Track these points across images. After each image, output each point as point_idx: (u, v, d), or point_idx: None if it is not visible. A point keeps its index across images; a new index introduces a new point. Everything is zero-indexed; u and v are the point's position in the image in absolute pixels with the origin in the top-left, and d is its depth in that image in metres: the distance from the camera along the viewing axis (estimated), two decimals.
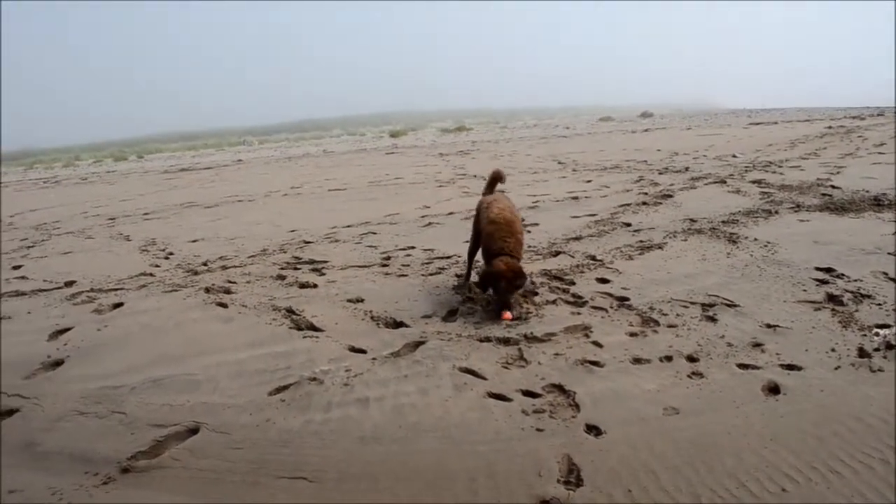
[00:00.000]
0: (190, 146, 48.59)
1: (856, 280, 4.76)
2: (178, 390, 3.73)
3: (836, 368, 3.45)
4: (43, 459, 3.14)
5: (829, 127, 20.69)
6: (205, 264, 6.77)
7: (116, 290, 5.97)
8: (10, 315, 5.42)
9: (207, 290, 5.64)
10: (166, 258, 7.29)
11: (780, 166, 11.32)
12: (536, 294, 4.89)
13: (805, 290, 4.64)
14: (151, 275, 6.51)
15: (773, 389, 3.29)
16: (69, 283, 6.38)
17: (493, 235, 4.73)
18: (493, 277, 4.47)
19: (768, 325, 4.06)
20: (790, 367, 3.50)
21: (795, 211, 7.34)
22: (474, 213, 5.42)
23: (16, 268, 7.39)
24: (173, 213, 11.23)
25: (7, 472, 3.05)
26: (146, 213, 11.32)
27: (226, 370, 3.95)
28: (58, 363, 4.31)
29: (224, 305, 5.20)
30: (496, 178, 5.81)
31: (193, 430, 3.28)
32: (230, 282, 5.90)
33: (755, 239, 6.12)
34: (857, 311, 4.20)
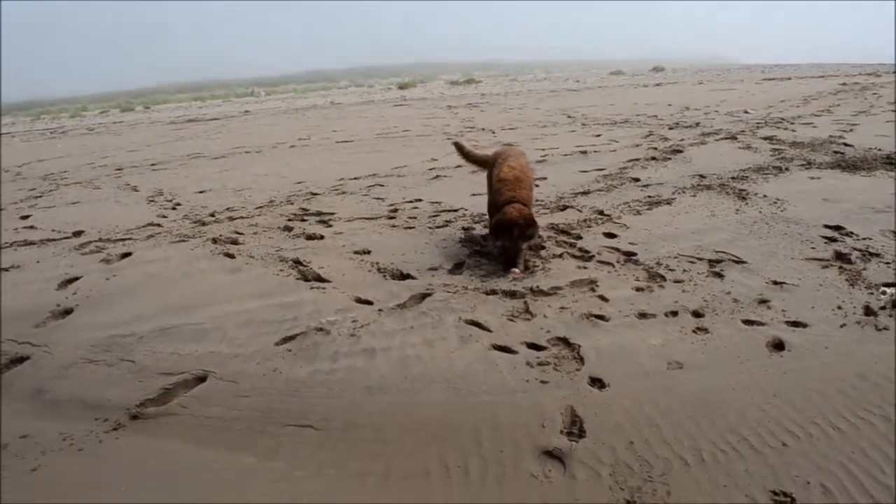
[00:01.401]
0: (197, 97, 48.25)
1: (865, 238, 4.74)
2: (186, 339, 3.76)
3: (841, 326, 3.45)
4: (53, 406, 3.18)
5: (844, 83, 20.37)
6: (212, 215, 6.78)
7: (124, 240, 5.99)
8: (20, 264, 5.44)
9: (215, 241, 5.65)
10: (174, 209, 7.29)
11: (792, 123, 11.18)
12: (543, 248, 4.89)
13: (813, 248, 4.62)
14: (159, 225, 6.52)
15: (778, 346, 3.29)
16: (77, 233, 6.40)
17: (500, 191, 4.72)
18: (505, 225, 4.46)
19: (775, 282, 4.05)
20: (795, 323, 3.50)
21: (806, 168, 7.27)
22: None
23: (24, 217, 7.41)
24: (180, 163, 11.19)
25: (18, 418, 3.09)
26: (153, 164, 11.29)
27: (233, 320, 3.97)
28: (67, 312, 4.34)
29: (231, 256, 5.22)
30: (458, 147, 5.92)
31: (201, 379, 3.31)
32: (237, 233, 5.91)
33: (765, 196, 6.08)
34: (864, 269, 4.19)
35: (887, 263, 4.25)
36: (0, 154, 15.05)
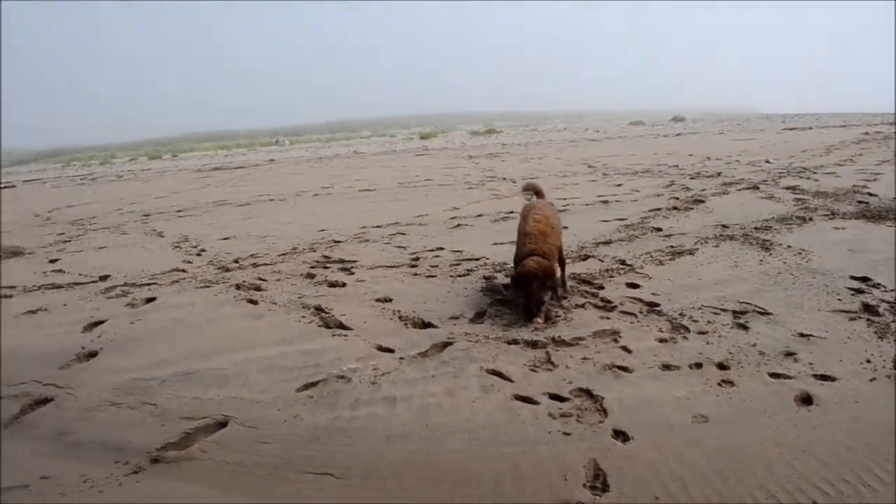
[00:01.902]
0: (222, 145, 49.15)
1: (892, 290, 4.67)
2: (208, 384, 3.77)
3: (871, 380, 3.39)
4: (75, 448, 3.19)
5: (866, 133, 20.37)
6: (236, 261, 6.84)
7: (150, 284, 6.06)
8: (47, 307, 5.52)
9: (238, 287, 5.70)
10: (198, 255, 7.38)
11: (814, 172, 11.14)
12: (565, 298, 4.87)
13: (840, 300, 4.57)
14: (184, 271, 6.59)
15: (806, 400, 3.23)
16: (104, 277, 6.49)
17: (524, 243, 4.75)
18: (525, 278, 4.46)
19: (801, 334, 4.00)
20: (824, 377, 3.44)
21: (830, 218, 7.22)
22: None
23: (52, 261, 7.53)
24: (206, 210, 11.36)
25: (40, 459, 3.11)
26: (179, 211, 11.47)
27: (255, 366, 3.99)
28: (92, 354, 4.38)
29: (254, 302, 5.25)
30: (536, 192, 5.90)
31: (222, 424, 3.31)
32: (261, 279, 5.95)
33: (789, 246, 6.03)
34: (893, 321, 4.12)
35: None
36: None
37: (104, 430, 3.34)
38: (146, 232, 9.36)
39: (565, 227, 7.19)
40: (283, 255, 7.03)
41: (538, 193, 5.90)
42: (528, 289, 4.44)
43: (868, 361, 3.59)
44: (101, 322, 5.00)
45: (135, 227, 9.88)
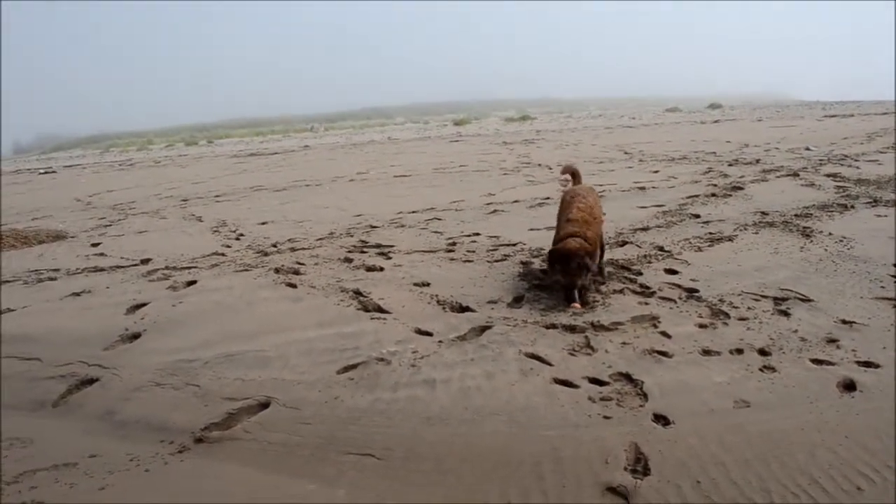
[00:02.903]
0: (257, 132, 49.45)
1: None
2: (250, 366, 3.83)
3: None
4: (121, 427, 3.27)
5: None
6: (274, 246, 6.92)
7: (190, 268, 6.16)
8: (90, 289, 5.64)
9: (277, 271, 5.76)
10: (237, 239, 7.48)
11: (856, 160, 10.91)
12: (603, 283, 4.85)
13: (883, 287, 4.49)
14: (223, 255, 6.69)
15: (849, 386, 3.19)
16: (145, 261, 6.61)
17: (565, 227, 4.74)
18: (563, 255, 4.45)
19: (843, 321, 3.94)
20: (867, 364, 3.40)
21: (872, 206, 7.08)
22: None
23: (94, 245, 7.69)
24: (243, 195, 11.49)
25: (88, 438, 3.18)
26: (217, 196, 11.61)
27: (295, 348, 4.04)
28: (135, 336, 4.47)
29: (293, 286, 5.31)
30: (574, 174, 5.88)
31: (264, 405, 3.36)
32: (299, 263, 6.01)
33: (830, 233, 5.94)
34: None
35: None
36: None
37: (149, 409, 3.41)
38: (185, 216, 9.50)
39: (603, 214, 7.18)
40: (321, 239, 7.09)
41: (575, 176, 5.87)
42: (566, 267, 4.43)
43: None
44: (144, 304, 5.09)
45: (174, 212, 10.03)
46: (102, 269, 6.38)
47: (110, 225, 9.15)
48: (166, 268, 6.22)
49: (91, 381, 3.80)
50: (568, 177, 6.00)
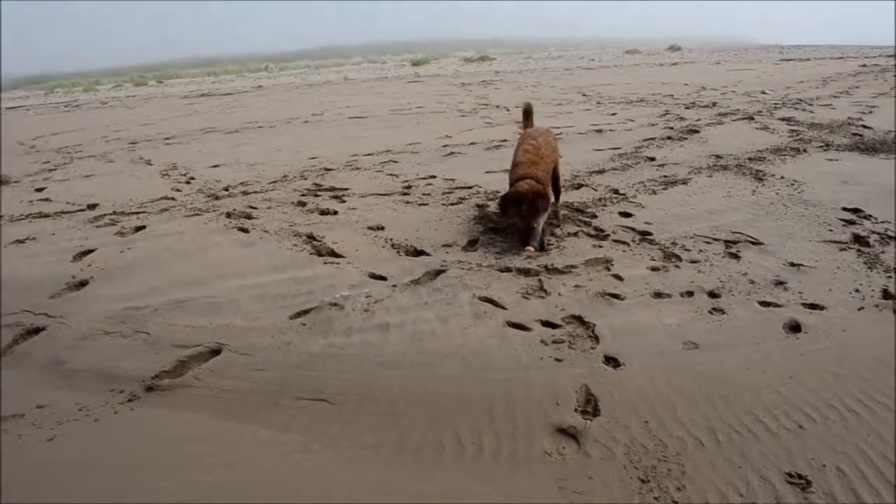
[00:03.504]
0: (209, 72, 48.09)
1: (883, 222, 4.69)
2: (201, 312, 3.77)
3: (859, 309, 3.43)
4: (70, 377, 3.20)
5: (863, 65, 20.13)
6: (226, 189, 6.78)
7: (138, 213, 6.00)
8: (35, 236, 5.47)
9: (229, 215, 5.65)
10: (187, 182, 7.29)
11: (810, 104, 11.05)
12: (558, 226, 4.86)
13: (831, 230, 4.58)
14: (173, 199, 6.52)
15: (795, 328, 3.27)
16: (92, 206, 6.41)
17: (514, 171, 4.71)
18: (514, 199, 4.44)
19: (792, 264, 4.03)
20: (812, 305, 3.49)
21: (824, 150, 7.19)
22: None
23: (39, 189, 7.43)
24: (194, 138, 11.18)
25: (35, 388, 3.11)
26: (167, 138, 11.28)
27: (247, 294, 3.98)
28: (82, 283, 4.36)
29: (245, 230, 5.22)
30: (527, 112, 5.78)
31: (216, 351, 3.32)
32: (251, 207, 5.90)
33: (782, 177, 6.02)
34: (883, 252, 4.15)
35: None
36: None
37: (98, 358, 3.34)
38: (133, 160, 9.22)
39: (560, 157, 7.15)
40: (274, 182, 6.96)
41: (527, 115, 5.80)
42: (519, 210, 4.42)
43: (857, 291, 3.63)
44: (91, 251, 4.96)
45: (121, 155, 9.72)
46: (47, 215, 6.17)
47: (55, 169, 8.83)
48: (114, 213, 6.05)
49: (37, 331, 3.70)
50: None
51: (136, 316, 3.78)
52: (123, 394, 3.00)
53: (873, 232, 4.50)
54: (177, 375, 3.14)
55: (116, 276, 4.44)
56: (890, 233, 4.46)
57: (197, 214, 5.79)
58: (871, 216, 4.82)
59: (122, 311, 3.86)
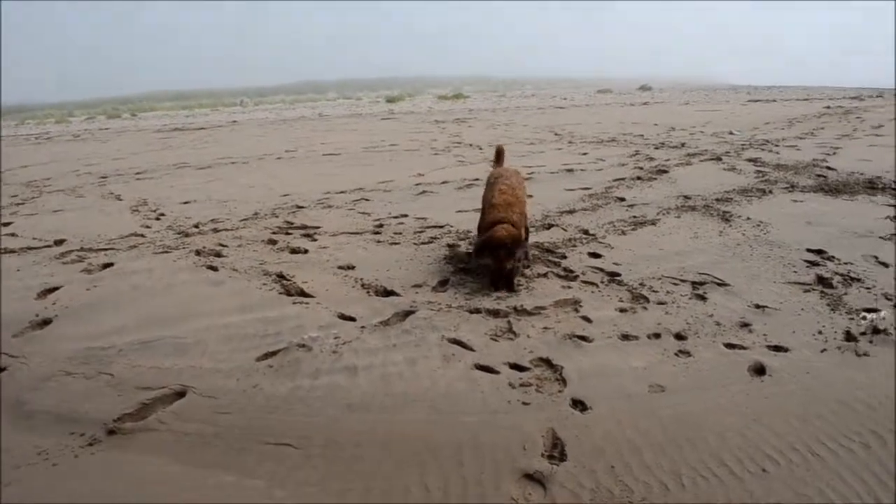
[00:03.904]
0: (184, 105, 48.02)
1: (846, 263, 4.79)
2: (167, 353, 3.72)
3: (822, 351, 3.48)
4: (29, 419, 3.13)
5: (828, 107, 20.67)
6: (196, 226, 6.74)
7: (106, 249, 5.93)
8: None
9: (198, 253, 5.61)
10: (157, 219, 7.24)
11: (776, 145, 11.31)
12: (528, 266, 4.89)
13: (795, 272, 4.66)
14: (142, 235, 6.47)
15: (759, 370, 3.31)
16: (59, 242, 6.33)
17: (490, 213, 4.72)
18: (492, 244, 4.45)
19: (757, 306, 4.08)
20: (777, 348, 3.53)
21: (790, 191, 7.35)
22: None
23: (5, 224, 7.33)
24: (165, 173, 11.12)
25: None
26: (138, 173, 11.21)
27: (214, 334, 3.94)
28: (46, 322, 4.29)
29: (214, 269, 5.18)
30: (500, 153, 5.84)
31: (181, 394, 3.28)
32: (221, 245, 5.87)
33: (748, 218, 6.13)
34: (846, 294, 4.23)
35: (868, 289, 4.29)
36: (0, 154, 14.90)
37: (59, 400, 3.28)
38: (103, 195, 9.14)
39: (530, 196, 7.20)
40: (245, 220, 6.94)
41: (499, 156, 5.86)
42: (494, 256, 4.44)
43: (820, 333, 3.69)
44: (56, 288, 4.89)
45: (92, 190, 9.64)
46: (13, 251, 6.08)
47: (23, 203, 8.72)
48: (81, 249, 5.98)
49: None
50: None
51: (100, 356, 3.72)
52: (84, 437, 2.94)
53: (836, 273, 4.59)
54: (140, 418, 3.09)
55: (81, 315, 4.38)
56: (853, 274, 4.55)
57: (166, 252, 5.74)
58: (834, 257, 4.91)
59: (86, 351, 3.80)
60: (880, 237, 5.36)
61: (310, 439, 2.86)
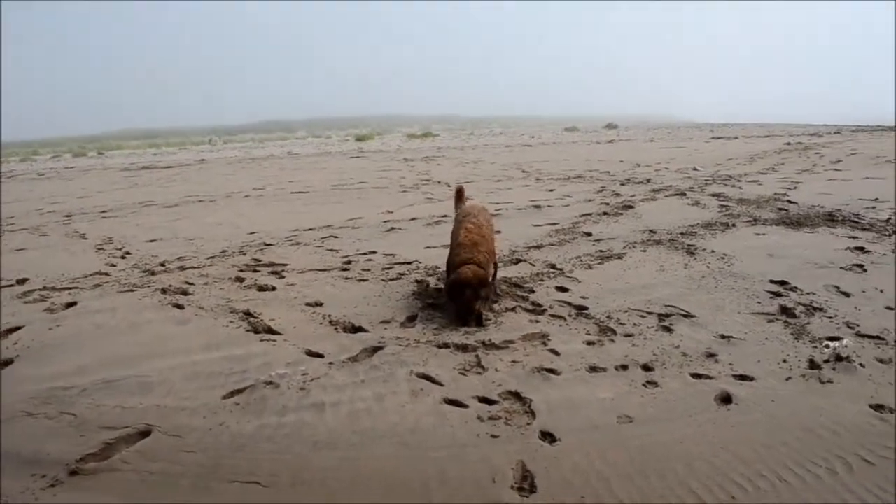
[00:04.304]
0: (152, 143, 47.84)
1: (808, 293, 4.88)
2: (131, 392, 3.66)
3: (786, 379, 3.53)
4: None
5: (788, 143, 21.21)
6: (162, 265, 6.67)
7: (70, 288, 5.84)
8: None
9: (164, 291, 5.55)
10: (123, 257, 7.15)
11: (739, 180, 11.57)
12: (496, 302, 4.91)
13: (759, 303, 4.74)
14: (107, 274, 6.38)
15: (726, 399, 3.35)
16: (21, 281, 6.22)
17: (458, 253, 4.75)
18: (459, 285, 4.48)
19: (722, 336, 4.14)
20: (742, 377, 3.58)
21: (752, 224, 7.51)
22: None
23: None
24: (132, 211, 11.03)
25: None
26: (104, 211, 11.10)
27: (180, 373, 3.89)
28: (7, 363, 4.19)
29: (180, 307, 5.12)
30: (459, 192, 5.89)
31: (145, 433, 3.22)
32: (187, 283, 5.81)
33: (712, 251, 6.24)
34: (808, 323, 4.31)
35: (830, 318, 4.38)
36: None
37: (20, 441, 3.20)
38: (68, 233, 9.02)
39: (498, 232, 7.25)
40: (212, 258, 6.89)
41: (459, 195, 5.89)
42: (461, 296, 4.46)
43: (784, 361, 3.75)
44: (18, 328, 4.79)
45: (56, 228, 9.51)
46: None
47: None
48: (44, 288, 5.88)
49: None
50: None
51: (63, 397, 3.64)
52: (46, 478, 2.87)
53: (799, 303, 4.67)
54: (103, 458, 3.02)
55: (43, 355, 4.29)
56: (815, 304, 4.64)
57: (131, 290, 5.66)
58: (796, 288, 5.01)
59: (48, 391, 3.72)
60: (841, 268, 5.49)
61: (277, 477, 2.82)
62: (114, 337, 4.57)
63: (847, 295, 4.84)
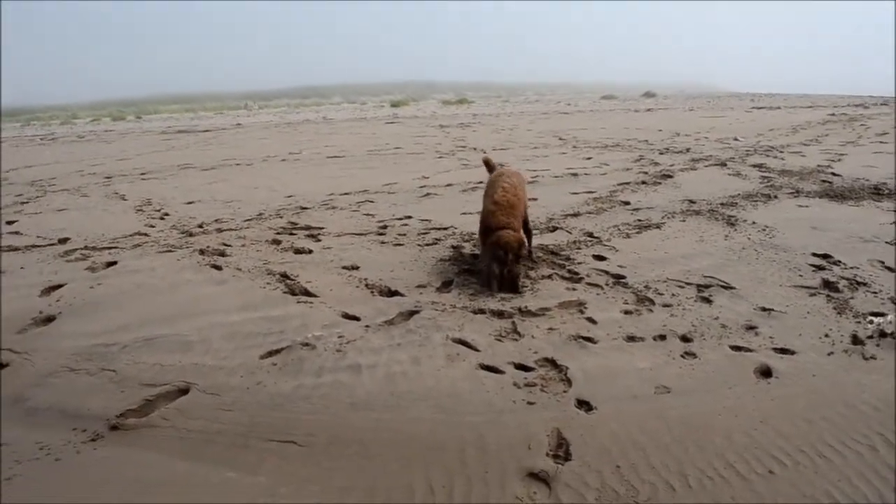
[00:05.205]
0: (189, 108, 48.08)
1: (852, 267, 4.77)
2: (170, 350, 3.72)
3: (828, 354, 3.46)
4: (32, 415, 3.13)
5: (832, 114, 20.61)
6: (200, 226, 6.74)
7: (110, 248, 5.94)
8: (3, 269, 5.38)
9: (202, 252, 5.61)
10: (161, 219, 7.24)
11: (781, 151, 11.28)
12: (532, 268, 4.88)
13: (801, 276, 4.64)
14: (146, 235, 6.47)
15: (766, 372, 3.29)
16: (63, 240, 6.34)
17: (494, 213, 4.71)
18: (499, 248, 4.45)
19: (763, 309, 4.06)
20: (783, 350, 3.51)
21: (795, 196, 7.33)
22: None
23: (10, 223, 7.33)
24: (170, 174, 11.14)
25: None
26: (143, 173, 11.23)
27: (218, 332, 3.93)
28: (49, 319, 4.28)
29: (218, 268, 5.18)
30: (487, 164, 5.85)
31: (184, 391, 3.27)
32: (225, 244, 5.87)
33: (753, 222, 6.11)
34: (852, 298, 4.20)
35: (874, 293, 4.27)
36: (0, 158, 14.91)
37: (62, 396, 3.28)
38: (108, 194, 9.15)
39: (535, 199, 7.20)
40: (249, 220, 6.94)
41: (488, 165, 5.84)
42: (500, 259, 4.44)
43: (826, 336, 3.67)
44: (60, 286, 4.89)
45: (96, 190, 9.65)
46: (17, 249, 6.09)
47: (27, 202, 8.73)
48: (85, 248, 5.98)
49: (1, 367, 3.62)
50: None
51: (104, 353, 3.71)
52: (87, 433, 2.94)
53: (842, 277, 4.56)
54: (143, 415, 3.08)
55: (85, 312, 4.37)
56: (859, 278, 4.53)
57: (170, 251, 5.74)
58: (840, 262, 4.89)
59: (90, 347, 3.79)
60: (886, 242, 5.34)
61: (313, 437, 2.85)
62: (153, 296, 4.63)
63: (892, 270, 4.72)
